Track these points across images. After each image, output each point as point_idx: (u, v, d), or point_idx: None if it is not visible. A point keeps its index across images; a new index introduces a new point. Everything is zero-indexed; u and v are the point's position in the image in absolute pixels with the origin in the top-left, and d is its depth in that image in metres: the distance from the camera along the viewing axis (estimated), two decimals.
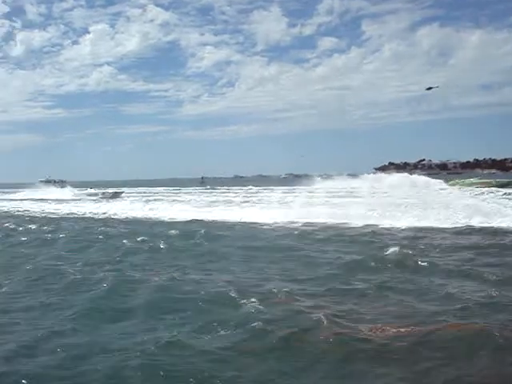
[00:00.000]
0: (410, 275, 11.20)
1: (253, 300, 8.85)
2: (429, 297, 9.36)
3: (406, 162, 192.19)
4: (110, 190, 61.41)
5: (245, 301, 8.88)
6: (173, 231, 20.63)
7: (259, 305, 8.62)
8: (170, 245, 16.86)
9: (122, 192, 61.06)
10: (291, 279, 11.19)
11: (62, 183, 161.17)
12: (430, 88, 58.83)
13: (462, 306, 8.39)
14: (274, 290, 9.77)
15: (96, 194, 59.31)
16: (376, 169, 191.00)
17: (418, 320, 7.87)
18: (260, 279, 11.19)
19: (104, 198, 54.63)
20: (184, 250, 15.96)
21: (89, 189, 66.17)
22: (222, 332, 7.56)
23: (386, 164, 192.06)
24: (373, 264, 12.45)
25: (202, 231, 19.94)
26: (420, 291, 9.80)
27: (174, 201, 41.36)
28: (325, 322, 7.60)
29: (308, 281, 10.98)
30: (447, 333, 7.13)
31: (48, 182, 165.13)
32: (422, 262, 12.37)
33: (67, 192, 66.77)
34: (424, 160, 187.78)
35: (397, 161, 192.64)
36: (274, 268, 12.63)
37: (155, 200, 43.02)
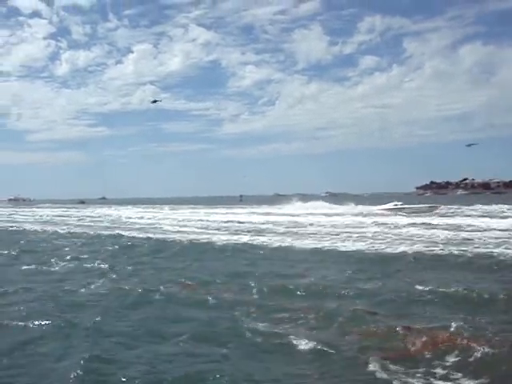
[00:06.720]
0: None
1: None
2: None
3: (447, 181, 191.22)
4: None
5: None
6: None
7: None
8: None
9: None
10: None
11: (29, 201, 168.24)
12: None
13: None
14: None
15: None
16: (417, 188, 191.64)
17: None
18: None
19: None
20: None
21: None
22: None
23: (428, 183, 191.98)
24: None
25: None
26: None
27: None
28: None
29: None
30: None
31: (16, 200, 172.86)
32: None
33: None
34: (466, 179, 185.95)
35: (438, 180, 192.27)
36: None
37: None
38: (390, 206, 53.60)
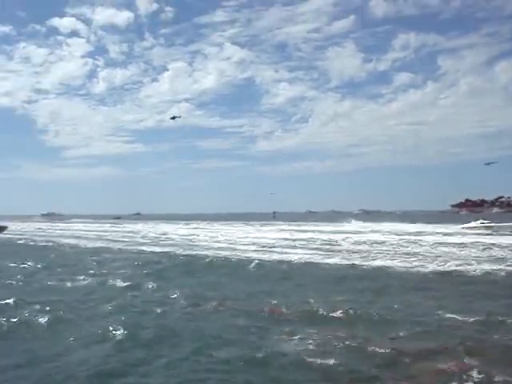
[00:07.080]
0: None
1: None
2: None
3: (483, 199, 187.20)
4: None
5: None
6: None
7: None
8: None
9: None
10: None
11: (61, 216, 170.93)
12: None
13: None
14: None
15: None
16: (452, 206, 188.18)
17: None
18: None
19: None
20: None
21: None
22: None
23: (463, 201, 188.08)
24: None
25: None
26: None
27: None
28: None
29: None
30: None
31: (49, 215, 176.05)
32: None
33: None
34: (502, 197, 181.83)
35: (474, 198, 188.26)
36: None
37: None
38: (477, 223, 51.26)
